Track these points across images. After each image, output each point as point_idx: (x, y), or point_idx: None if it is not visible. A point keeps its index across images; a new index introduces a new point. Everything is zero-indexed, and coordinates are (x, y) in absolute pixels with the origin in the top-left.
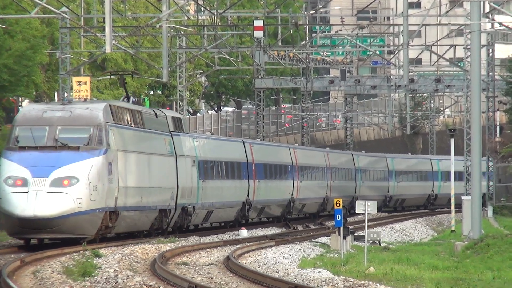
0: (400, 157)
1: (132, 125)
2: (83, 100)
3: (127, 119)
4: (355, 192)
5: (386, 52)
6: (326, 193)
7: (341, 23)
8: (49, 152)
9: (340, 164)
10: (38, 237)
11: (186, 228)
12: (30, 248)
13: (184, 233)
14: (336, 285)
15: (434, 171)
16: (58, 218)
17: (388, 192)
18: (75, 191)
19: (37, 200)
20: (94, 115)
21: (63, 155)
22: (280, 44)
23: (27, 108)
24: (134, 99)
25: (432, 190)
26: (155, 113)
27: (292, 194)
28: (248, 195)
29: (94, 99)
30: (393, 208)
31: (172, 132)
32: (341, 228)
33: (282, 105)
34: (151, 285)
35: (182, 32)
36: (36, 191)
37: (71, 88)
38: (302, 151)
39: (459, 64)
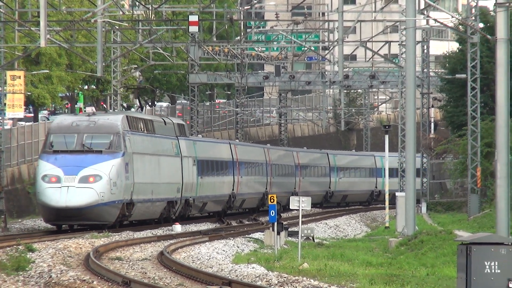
0: (342, 153)
1: (145, 131)
2: (104, 112)
3: (141, 127)
4: (295, 188)
5: (321, 48)
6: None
7: (276, 18)
8: (77, 155)
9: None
10: (69, 223)
11: (187, 217)
12: None
13: (118, 228)
14: (270, 280)
15: (378, 167)
16: (85, 208)
17: (330, 188)
18: (99, 186)
19: (68, 194)
20: (114, 124)
21: (89, 157)
22: (214, 39)
23: (60, 118)
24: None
25: (376, 186)
26: (164, 121)
27: (266, 188)
28: (233, 189)
29: (110, 110)
30: (337, 204)
31: (178, 137)
32: (275, 223)
33: (216, 100)
34: (85, 279)
35: (117, 27)
36: (68, 186)
37: (5, 83)
38: (274, 151)
39: (394, 61)
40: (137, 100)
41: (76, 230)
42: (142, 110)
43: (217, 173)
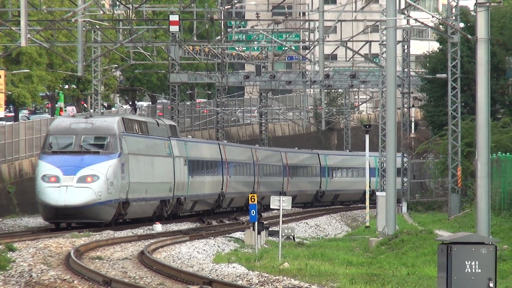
0: (332, 153)
1: (140, 133)
2: (100, 114)
3: (136, 128)
4: (283, 188)
5: (301, 47)
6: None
7: (256, 18)
8: (75, 156)
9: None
10: (68, 221)
11: (178, 216)
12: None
13: (99, 228)
14: (250, 280)
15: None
16: (83, 207)
17: (320, 187)
18: (96, 186)
19: (67, 193)
20: (110, 126)
21: (87, 158)
22: (195, 39)
23: (58, 120)
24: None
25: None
26: (157, 122)
27: (254, 188)
28: (222, 188)
29: (109, 111)
30: (331, 203)
31: (170, 137)
32: (256, 223)
33: (197, 100)
34: (65, 279)
35: (97, 26)
36: (66, 186)
37: None
38: (261, 151)
39: (375, 60)
40: (131, 102)
41: (64, 229)
42: (135, 112)
43: (207, 173)
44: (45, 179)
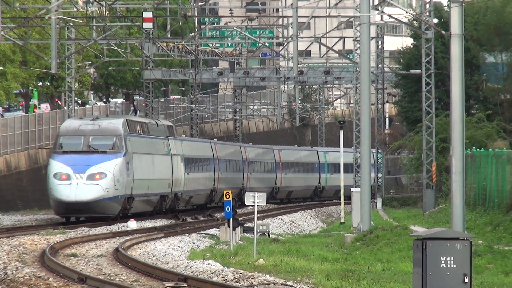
0: (287, 148)
1: (142, 133)
2: (105, 116)
3: (138, 129)
4: (276, 183)
5: (275, 44)
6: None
7: (230, 14)
8: (84, 155)
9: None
10: (78, 216)
11: (176, 210)
12: None
13: (73, 225)
14: (225, 276)
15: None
16: (92, 202)
17: (276, 184)
18: (104, 183)
19: (77, 189)
20: (116, 127)
21: (95, 157)
22: (169, 35)
23: (67, 122)
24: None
25: (320, 182)
26: (157, 123)
27: (243, 184)
28: (214, 184)
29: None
30: (280, 200)
31: (168, 137)
32: (231, 219)
33: (171, 96)
34: (40, 276)
35: (71, 24)
36: (77, 183)
37: None
38: (251, 149)
39: (349, 56)
40: (132, 105)
41: (74, 223)
42: (136, 113)
43: (201, 170)
44: (56, 177)
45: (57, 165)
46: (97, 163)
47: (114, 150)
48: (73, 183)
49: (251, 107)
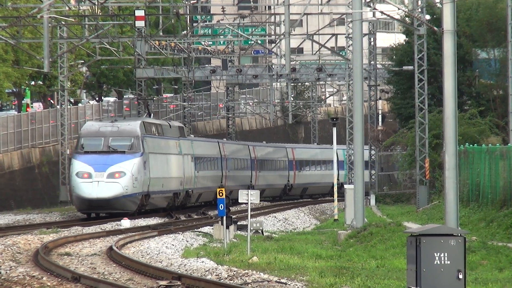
0: (301, 147)
1: (156, 134)
2: (123, 118)
3: (153, 130)
4: (289, 180)
5: (267, 41)
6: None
7: (222, 12)
8: (105, 155)
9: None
10: (98, 211)
11: (187, 207)
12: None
13: (67, 224)
14: (219, 274)
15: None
16: (113, 199)
17: (288, 181)
18: (123, 181)
19: (98, 187)
20: (133, 129)
21: (114, 157)
22: (161, 34)
23: (88, 124)
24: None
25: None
26: (169, 125)
27: (251, 181)
28: (221, 182)
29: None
30: (300, 196)
31: (179, 138)
32: (224, 217)
33: (164, 95)
34: (34, 275)
35: (63, 22)
36: (98, 181)
37: None
38: (260, 147)
39: (341, 53)
40: (146, 108)
41: (93, 219)
42: (150, 116)
43: (210, 168)
44: (79, 175)
45: (79, 165)
46: (117, 163)
47: (132, 150)
48: (95, 181)
49: (244, 104)
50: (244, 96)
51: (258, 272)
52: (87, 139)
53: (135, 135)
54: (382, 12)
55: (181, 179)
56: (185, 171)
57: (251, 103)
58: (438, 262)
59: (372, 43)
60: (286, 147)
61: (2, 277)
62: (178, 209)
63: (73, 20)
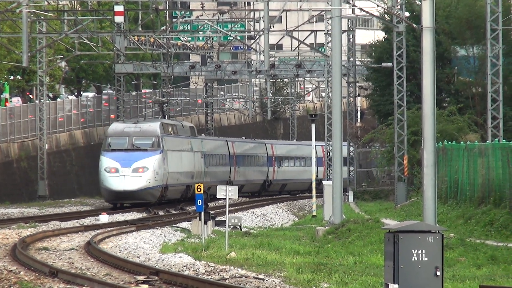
0: (281, 143)
1: (172, 134)
2: (143, 119)
3: (170, 130)
4: (230, 177)
5: (246, 37)
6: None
7: (201, 8)
8: (129, 152)
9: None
10: (125, 202)
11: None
12: None
13: (45, 218)
14: (197, 270)
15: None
16: (137, 191)
17: (267, 177)
18: (146, 175)
19: (125, 180)
20: (154, 129)
21: (138, 154)
22: (140, 29)
23: (114, 125)
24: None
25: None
26: (182, 125)
27: (267, 176)
28: (230, 176)
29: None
30: (279, 192)
31: (191, 136)
32: (202, 213)
33: (142, 90)
34: (11, 270)
35: (42, 17)
36: (124, 175)
37: None
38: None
39: (320, 50)
40: (161, 110)
41: (119, 208)
42: (164, 117)
43: (217, 164)
44: (107, 170)
45: (107, 161)
46: (140, 159)
47: (153, 148)
48: (121, 175)
49: (223, 100)
50: (223, 92)
51: (235, 268)
52: (113, 138)
53: (156, 135)
54: (361, 9)
55: (193, 173)
56: (195, 166)
57: (228, 100)
58: (416, 259)
59: (351, 40)
60: (266, 143)
61: None
62: (191, 200)
63: (52, 15)
